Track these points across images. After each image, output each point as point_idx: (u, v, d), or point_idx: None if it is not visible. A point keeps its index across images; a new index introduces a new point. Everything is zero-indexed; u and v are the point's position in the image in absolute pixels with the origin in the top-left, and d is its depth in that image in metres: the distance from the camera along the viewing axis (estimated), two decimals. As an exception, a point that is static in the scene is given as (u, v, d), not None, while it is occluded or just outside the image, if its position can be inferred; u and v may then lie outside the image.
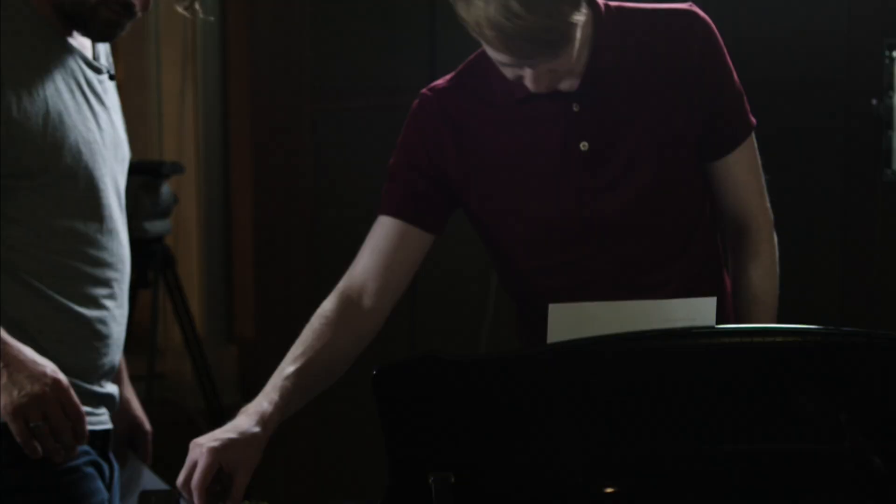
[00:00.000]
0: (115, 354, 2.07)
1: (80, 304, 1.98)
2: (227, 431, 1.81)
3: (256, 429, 1.83)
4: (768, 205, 2.08)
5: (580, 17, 1.81)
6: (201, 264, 3.58)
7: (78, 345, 1.99)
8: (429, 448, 1.69)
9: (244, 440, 1.81)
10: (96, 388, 2.03)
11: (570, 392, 1.72)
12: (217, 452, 1.77)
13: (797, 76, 3.50)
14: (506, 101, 1.97)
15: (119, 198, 2.06)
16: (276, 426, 1.89)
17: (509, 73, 1.89)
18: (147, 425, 2.32)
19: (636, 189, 1.96)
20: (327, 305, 2.01)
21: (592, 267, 1.99)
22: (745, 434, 1.71)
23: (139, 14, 1.94)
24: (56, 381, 1.86)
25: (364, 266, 2.02)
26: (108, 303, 2.02)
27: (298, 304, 3.36)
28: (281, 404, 1.89)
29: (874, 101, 3.24)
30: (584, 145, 1.94)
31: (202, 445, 1.77)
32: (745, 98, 2.04)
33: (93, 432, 1.98)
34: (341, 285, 2.03)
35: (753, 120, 2.05)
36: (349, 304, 2.01)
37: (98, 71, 2.01)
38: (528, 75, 1.86)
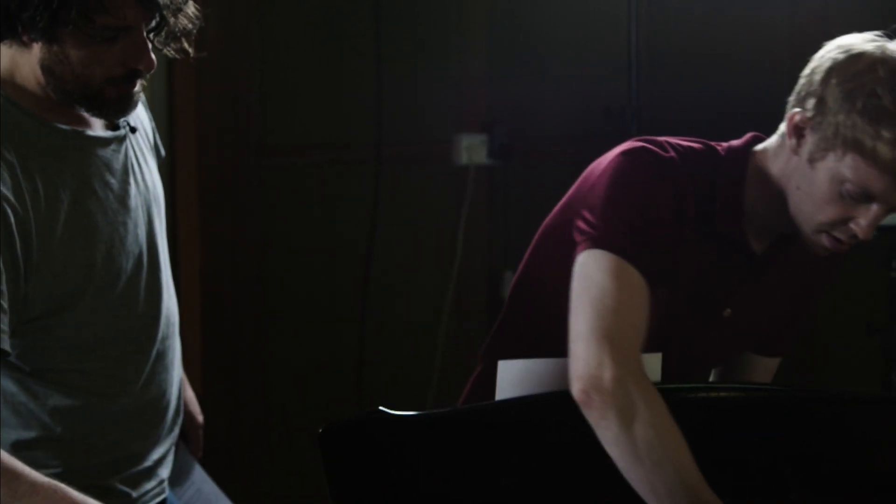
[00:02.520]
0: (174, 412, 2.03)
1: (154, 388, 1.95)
2: None
3: None
4: None
5: None
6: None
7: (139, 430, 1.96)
8: (376, 506, 1.69)
9: None
10: (153, 459, 1.98)
11: (516, 448, 1.73)
12: None
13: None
14: (715, 236, 1.87)
15: (162, 251, 1.98)
16: None
17: (838, 210, 1.79)
18: (199, 417, 2.27)
19: (737, 346, 2.01)
20: None
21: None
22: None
23: (147, 75, 1.83)
24: None
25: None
26: (162, 375, 1.99)
27: (246, 362, 3.34)
28: None
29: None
30: (727, 312, 1.92)
31: None
32: None
33: None
34: None
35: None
36: None
37: (110, 141, 1.91)
38: (870, 215, 1.77)
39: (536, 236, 1.99)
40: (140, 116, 2.02)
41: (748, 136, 1.90)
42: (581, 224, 1.81)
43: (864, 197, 1.75)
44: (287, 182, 3.40)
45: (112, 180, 1.89)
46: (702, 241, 1.86)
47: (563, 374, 1.74)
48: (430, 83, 3.51)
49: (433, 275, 3.60)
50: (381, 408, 1.70)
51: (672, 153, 1.85)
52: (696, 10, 3.57)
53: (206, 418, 2.32)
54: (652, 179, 1.82)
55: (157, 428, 1.98)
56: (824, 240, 1.81)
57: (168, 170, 3.19)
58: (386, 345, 3.50)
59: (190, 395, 2.26)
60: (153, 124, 2.09)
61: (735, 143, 1.90)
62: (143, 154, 1.99)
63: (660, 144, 1.86)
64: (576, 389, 1.68)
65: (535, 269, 1.97)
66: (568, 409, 1.70)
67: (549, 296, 1.89)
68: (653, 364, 1.78)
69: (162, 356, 1.98)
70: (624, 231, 1.78)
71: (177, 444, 2.11)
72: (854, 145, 1.73)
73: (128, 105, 1.85)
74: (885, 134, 1.70)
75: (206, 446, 2.29)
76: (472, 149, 3.54)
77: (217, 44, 3.20)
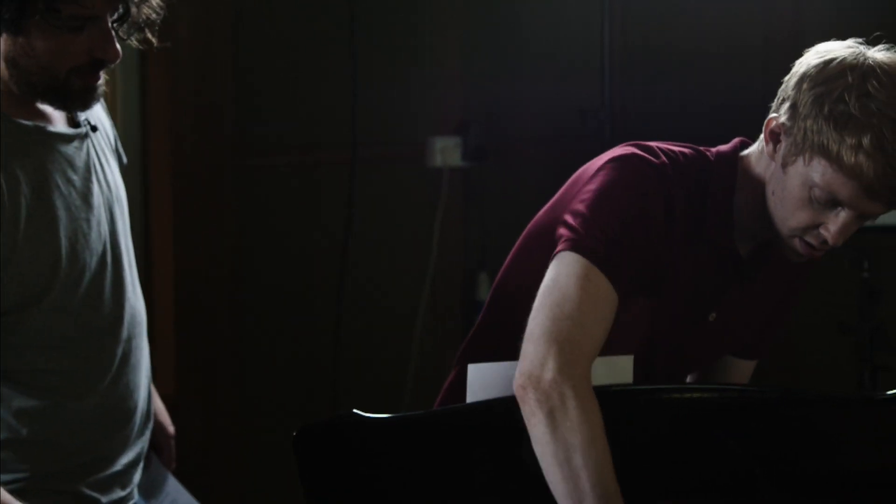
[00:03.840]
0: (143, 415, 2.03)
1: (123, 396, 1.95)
2: None
3: None
4: None
5: None
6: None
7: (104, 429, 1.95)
8: (350, 508, 1.69)
9: None
10: (122, 463, 1.98)
11: (490, 450, 1.73)
12: None
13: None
14: (704, 242, 1.87)
15: (126, 251, 1.98)
16: None
17: (808, 215, 1.79)
18: (170, 429, 2.25)
19: (721, 350, 2.02)
20: None
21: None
22: (663, 488, 1.73)
23: (112, 66, 1.83)
24: None
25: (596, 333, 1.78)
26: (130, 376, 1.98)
27: (220, 363, 3.34)
28: None
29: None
30: (712, 316, 1.93)
31: None
32: None
33: None
34: None
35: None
36: None
37: (72, 138, 1.92)
38: (839, 221, 1.78)
39: (520, 240, 1.97)
40: (101, 118, 2.02)
41: (736, 140, 1.90)
42: (562, 228, 1.80)
43: (832, 202, 1.77)
44: (262, 182, 3.40)
45: (74, 177, 1.89)
46: (691, 247, 1.86)
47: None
48: (406, 84, 3.52)
49: (408, 275, 3.60)
50: (355, 410, 1.70)
51: (664, 159, 1.84)
52: (669, 11, 3.58)
53: (179, 420, 2.31)
54: (641, 189, 1.81)
55: (124, 429, 1.97)
56: (797, 245, 1.83)
57: (142, 170, 3.19)
58: (361, 345, 3.50)
59: (159, 405, 2.25)
60: (115, 131, 2.09)
61: (724, 148, 1.91)
62: (104, 155, 1.98)
63: (651, 150, 1.85)
64: (516, 384, 1.69)
65: (517, 274, 1.95)
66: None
67: (530, 301, 1.85)
68: (624, 366, 1.79)
69: (128, 356, 1.97)
70: (603, 239, 1.76)
71: (149, 457, 2.10)
72: (820, 150, 1.74)
73: (91, 97, 1.85)
74: (849, 140, 1.71)
75: (179, 448, 2.28)
76: (446, 151, 3.55)
77: (192, 43, 3.20)
